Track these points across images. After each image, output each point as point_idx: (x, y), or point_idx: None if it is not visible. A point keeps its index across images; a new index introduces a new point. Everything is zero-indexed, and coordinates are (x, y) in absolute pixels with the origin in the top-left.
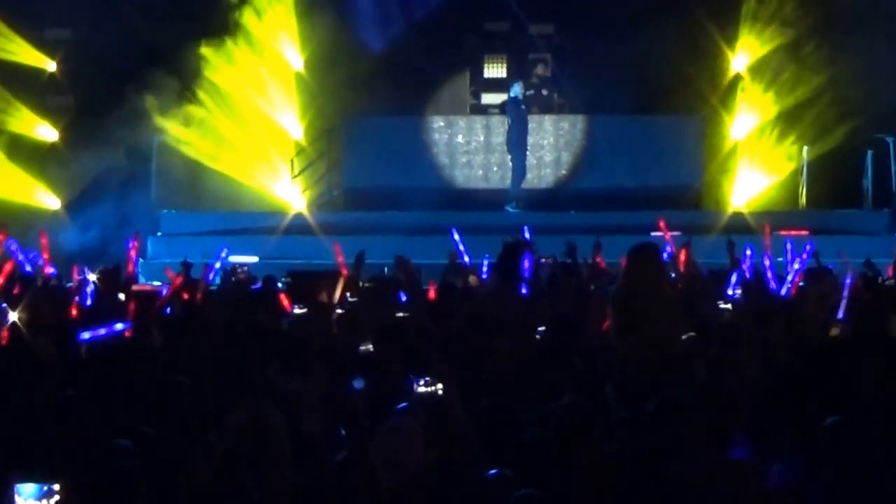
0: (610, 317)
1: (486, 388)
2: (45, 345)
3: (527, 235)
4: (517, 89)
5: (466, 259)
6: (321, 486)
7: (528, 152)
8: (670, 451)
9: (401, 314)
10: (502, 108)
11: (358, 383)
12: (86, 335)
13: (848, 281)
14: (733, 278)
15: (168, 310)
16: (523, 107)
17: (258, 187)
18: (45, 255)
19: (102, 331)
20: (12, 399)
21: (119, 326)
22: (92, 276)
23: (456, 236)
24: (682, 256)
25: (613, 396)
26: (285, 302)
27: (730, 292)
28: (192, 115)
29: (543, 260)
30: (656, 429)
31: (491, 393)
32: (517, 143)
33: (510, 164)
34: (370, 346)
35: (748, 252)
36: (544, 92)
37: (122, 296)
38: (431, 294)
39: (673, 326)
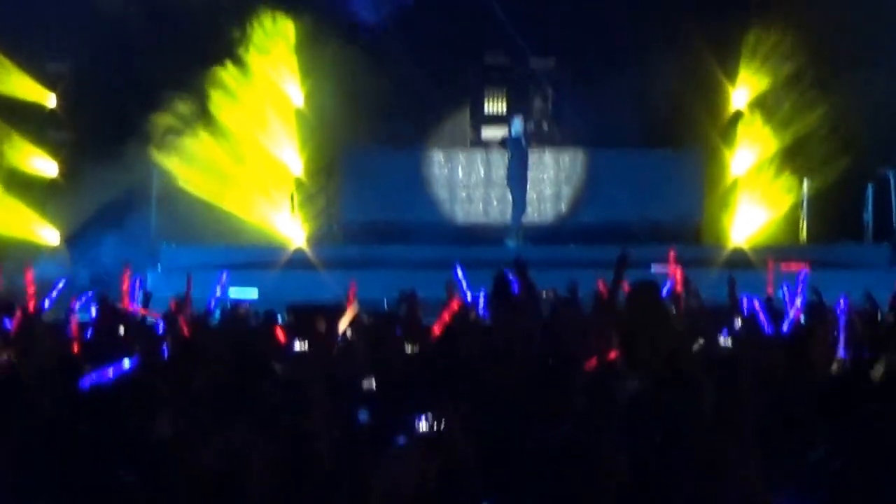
0: (616, 350)
1: (487, 418)
2: (42, 381)
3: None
4: (518, 125)
5: (469, 296)
6: None
7: (528, 186)
8: (674, 479)
9: (409, 348)
10: (503, 143)
11: (363, 415)
12: (93, 376)
13: (842, 318)
14: (736, 321)
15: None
16: (523, 141)
17: (258, 221)
18: (31, 290)
19: (110, 371)
20: (12, 435)
21: (126, 364)
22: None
23: (459, 273)
24: (678, 275)
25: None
26: (280, 335)
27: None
28: (192, 150)
29: (545, 294)
30: (662, 456)
31: (491, 423)
32: (517, 177)
33: (510, 198)
34: (373, 382)
35: (744, 300)
36: (544, 126)
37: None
38: (437, 331)
39: (678, 354)
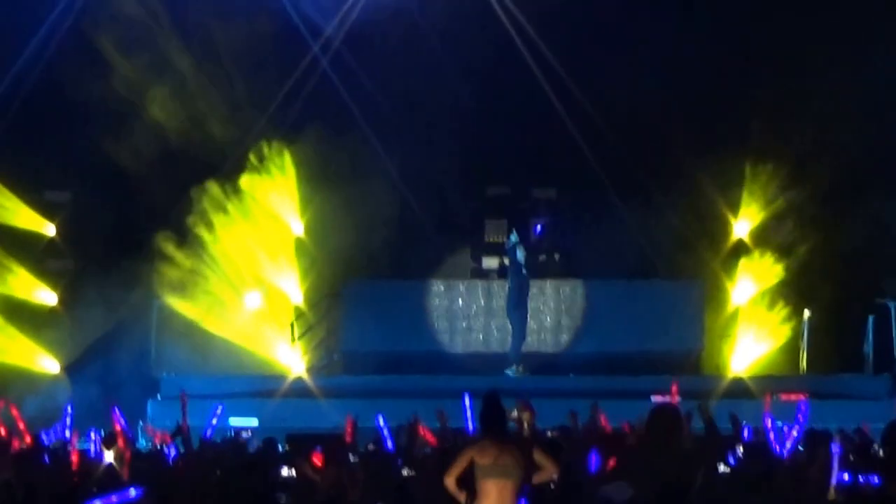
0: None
1: None
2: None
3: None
4: (518, 255)
5: (471, 425)
6: None
7: (528, 317)
8: None
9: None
10: (501, 272)
11: None
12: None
13: (835, 447)
14: (738, 448)
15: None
16: (524, 271)
17: (258, 351)
18: (21, 425)
19: (114, 498)
20: None
21: (133, 493)
22: (109, 456)
23: (467, 401)
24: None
25: None
26: (317, 461)
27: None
28: (192, 279)
29: (549, 433)
30: None
31: None
32: (517, 307)
33: (510, 328)
34: None
35: (745, 430)
36: (544, 256)
37: (113, 462)
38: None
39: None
